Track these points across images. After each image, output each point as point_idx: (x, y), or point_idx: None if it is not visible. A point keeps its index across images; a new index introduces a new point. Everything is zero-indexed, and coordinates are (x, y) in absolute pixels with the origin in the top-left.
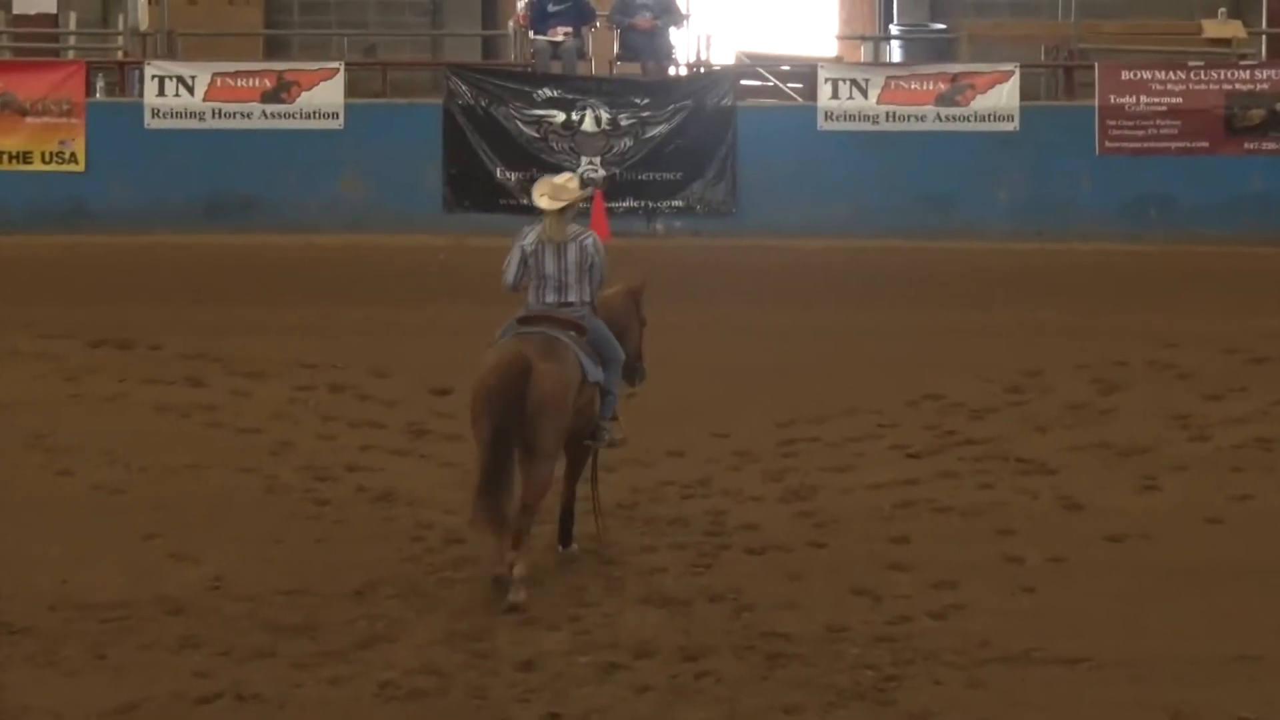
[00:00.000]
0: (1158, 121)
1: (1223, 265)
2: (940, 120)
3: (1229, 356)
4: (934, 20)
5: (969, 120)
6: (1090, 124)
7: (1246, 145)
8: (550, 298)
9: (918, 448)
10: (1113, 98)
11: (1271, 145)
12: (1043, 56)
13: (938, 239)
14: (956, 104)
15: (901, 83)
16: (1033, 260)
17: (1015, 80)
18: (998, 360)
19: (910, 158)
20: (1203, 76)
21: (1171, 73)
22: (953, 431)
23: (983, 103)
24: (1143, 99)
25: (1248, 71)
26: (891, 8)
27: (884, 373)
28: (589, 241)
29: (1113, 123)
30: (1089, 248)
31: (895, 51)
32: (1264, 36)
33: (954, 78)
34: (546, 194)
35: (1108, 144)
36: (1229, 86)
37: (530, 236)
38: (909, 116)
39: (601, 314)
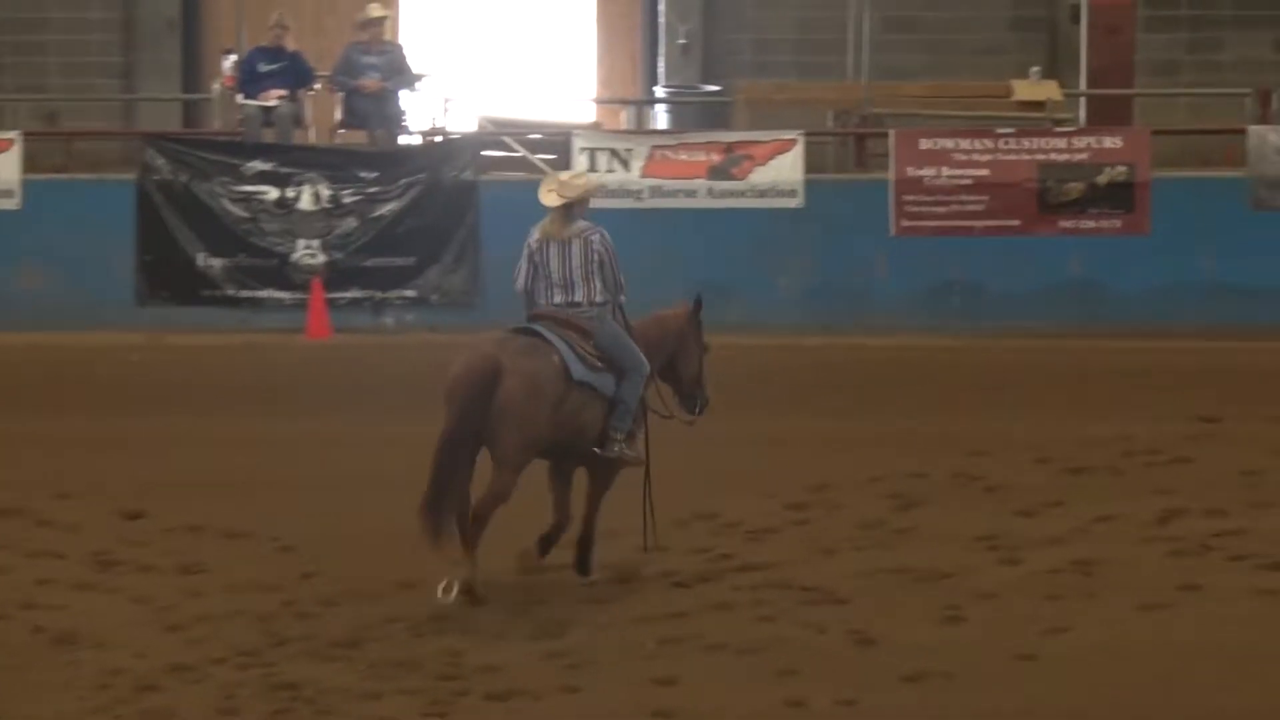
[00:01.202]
0: (962, 197)
1: (1036, 362)
2: (713, 196)
3: (1043, 467)
4: (706, 81)
5: (746, 196)
6: (884, 200)
7: (1062, 224)
8: (557, 298)
9: (686, 575)
10: (910, 170)
11: (1090, 224)
12: (831, 123)
13: (711, 333)
14: (732, 177)
15: (668, 153)
16: (820, 356)
17: (799, 150)
18: (779, 473)
19: (679, 240)
20: (1013, 145)
21: (978, 141)
22: (727, 555)
23: (762, 176)
24: (945, 171)
25: (1064, 139)
26: (657, 67)
27: (628, 491)
28: (595, 238)
29: (910, 199)
30: (883, 342)
31: (662, 117)
32: (1082, 99)
33: (729, 147)
34: (553, 189)
35: (904, 223)
36: (1043, 157)
37: (535, 234)
38: (677, 192)
39: (654, 332)
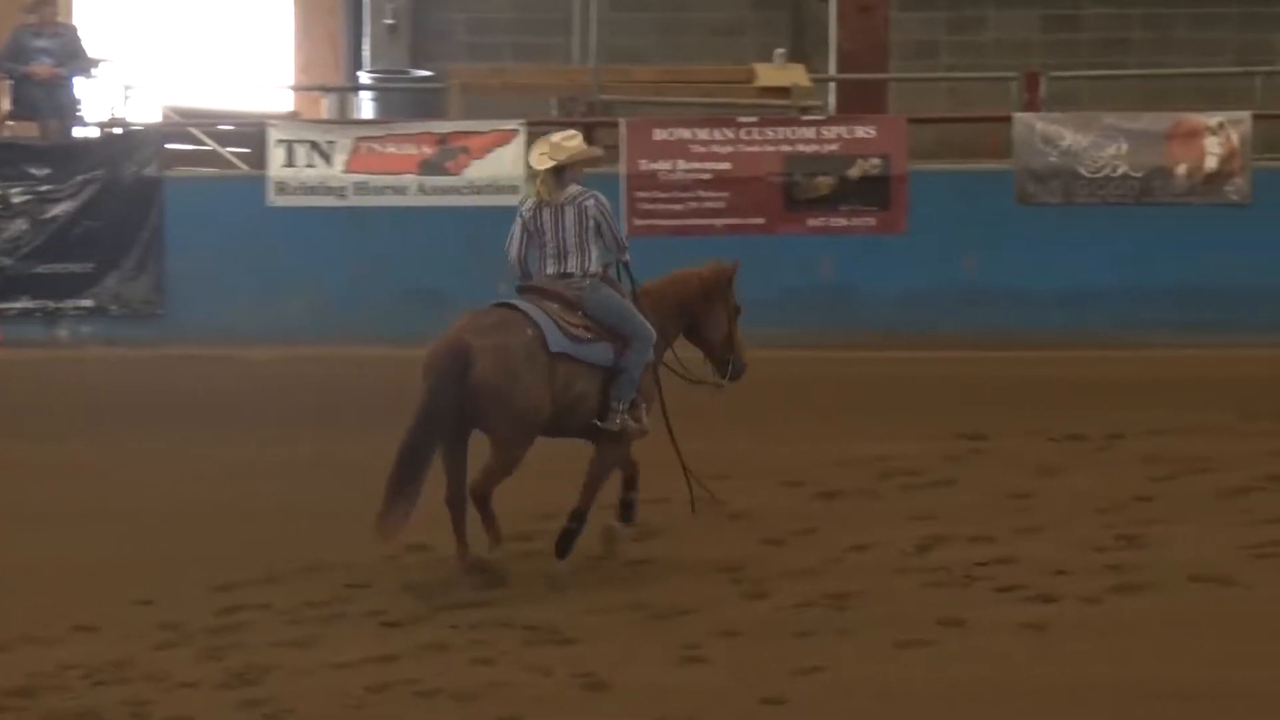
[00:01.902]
0: (700, 193)
1: (784, 374)
2: (425, 193)
3: (792, 490)
4: (416, 65)
5: (462, 193)
6: (615, 197)
7: (811, 222)
8: (550, 268)
9: (397, 613)
10: (643, 163)
11: (842, 222)
12: (555, 111)
13: (423, 346)
14: (446, 172)
15: (375, 145)
16: None
17: (520, 141)
18: (502, 500)
19: (387, 242)
20: (756, 136)
21: (717, 131)
22: (443, 591)
23: (479, 170)
24: (681, 165)
25: (813, 129)
26: (361, 50)
27: (338, 521)
28: (589, 203)
29: (643, 194)
30: None
31: (367, 106)
32: (832, 85)
33: (442, 139)
34: (544, 152)
35: (637, 221)
36: (789, 148)
37: (528, 202)
38: (385, 189)
39: (671, 293)
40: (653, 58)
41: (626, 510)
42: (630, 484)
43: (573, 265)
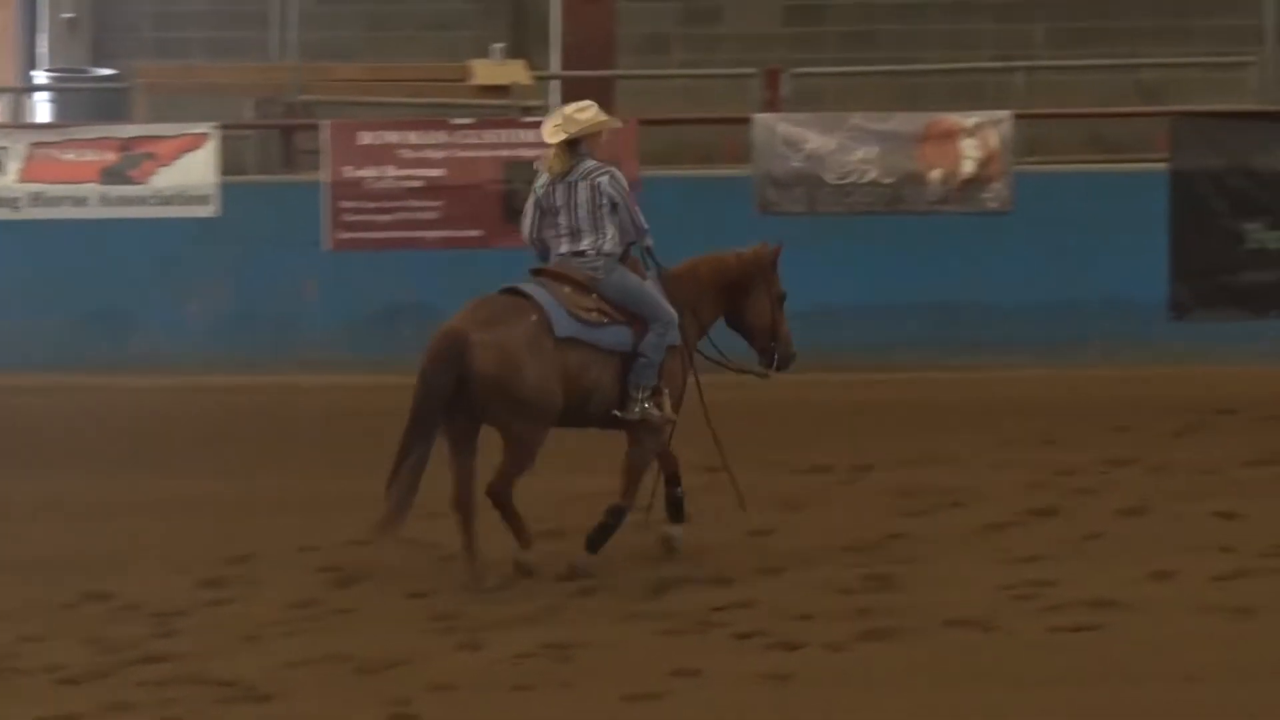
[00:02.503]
0: (412, 202)
1: None
2: (108, 204)
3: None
4: (98, 64)
5: (148, 203)
6: (316, 207)
7: None
8: (564, 247)
9: (76, 669)
10: (348, 170)
11: None
12: (251, 113)
13: (110, 373)
14: (130, 181)
15: (52, 152)
16: (237, 398)
17: (212, 147)
18: (189, 543)
19: (66, 257)
20: (473, 139)
21: (430, 134)
22: (127, 644)
23: (167, 179)
24: (390, 171)
25: (534, 131)
26: (37, 47)
27: (24, 568)
28: (604, 179)
29: (349, 205)
30: (317, 380)
31: (43, 108)
32: (555, 82)
33: (126, 144)
34: (558, 124)
35: (342, 235)
36: (509, 153)
37: (542, 177)
38: (63, 199)
39: (706, 275)
40: (359, 54)
41: (675, 510)
42: (673, 480)
43: (586, 244)
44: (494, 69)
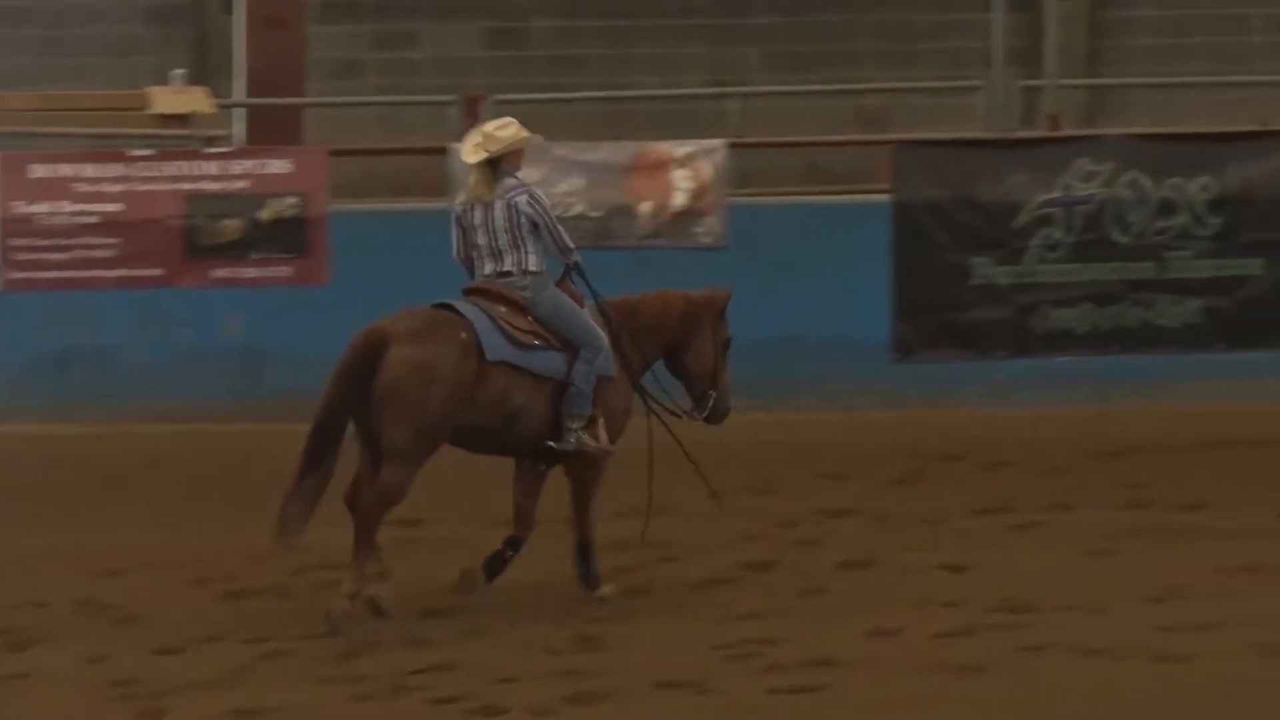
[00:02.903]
0: (87, 239)
1: (188, 450)
2: None
3: (197, 589)
4: None
5: None
6: None
7: (217, 273)
8: (488, 267)
9: None
10: (19, 205)
11: (253, 272)
12: None
13: None
14: None
15: None
16: None
17: None
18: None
19: None
20: (152, 172)
21: (106, 166)
22: None
23: None
24: (64, 206)
25: (217, 163)
26: None
27: None
28: (521, 199)
29: (20, 243)
30: None
31: None
32: (239, 111)
33: None
34: (477, 144)
35: (13, 274)
36: (190, 186)
37: (460, 196)
38: None
39: (650, 311)
40: (31, 81)
41: (494, 564)
42: (516, 543)
43: (509, 264)
44: (174, 97)
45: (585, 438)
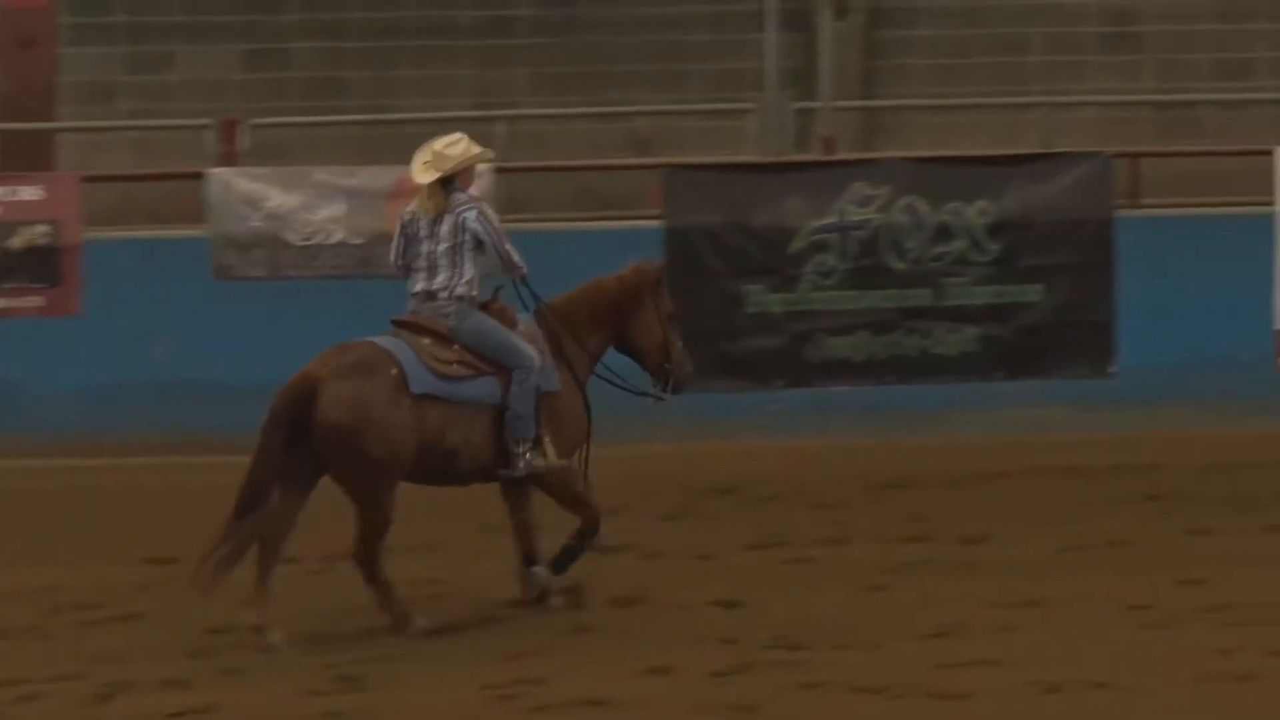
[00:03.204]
0: None
1: None
2: None
3: None
4: None
5: None
6: None
7: None
8: (419, 283)
9: None
10: None
11: (3, 303)
12: None
13: None
14: None
15: None
16: None
17: None
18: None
19: None
20: None
21: None
22: None
23: None
24: None
25: None
26: None
27: None
28: (469, 214)
29: None
30: None
31: None
32: None
33: None
34: (427, 161)
35: None
36: None
37: (410, 205)
38: None
39: (585, 307)
40: None
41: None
42: (532, 558)
43: (440, 282)
44: None
45: (534, 459)
